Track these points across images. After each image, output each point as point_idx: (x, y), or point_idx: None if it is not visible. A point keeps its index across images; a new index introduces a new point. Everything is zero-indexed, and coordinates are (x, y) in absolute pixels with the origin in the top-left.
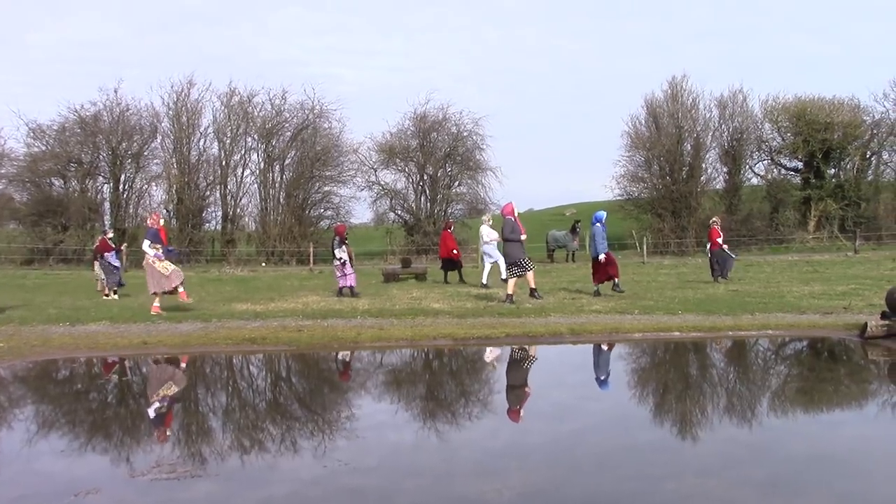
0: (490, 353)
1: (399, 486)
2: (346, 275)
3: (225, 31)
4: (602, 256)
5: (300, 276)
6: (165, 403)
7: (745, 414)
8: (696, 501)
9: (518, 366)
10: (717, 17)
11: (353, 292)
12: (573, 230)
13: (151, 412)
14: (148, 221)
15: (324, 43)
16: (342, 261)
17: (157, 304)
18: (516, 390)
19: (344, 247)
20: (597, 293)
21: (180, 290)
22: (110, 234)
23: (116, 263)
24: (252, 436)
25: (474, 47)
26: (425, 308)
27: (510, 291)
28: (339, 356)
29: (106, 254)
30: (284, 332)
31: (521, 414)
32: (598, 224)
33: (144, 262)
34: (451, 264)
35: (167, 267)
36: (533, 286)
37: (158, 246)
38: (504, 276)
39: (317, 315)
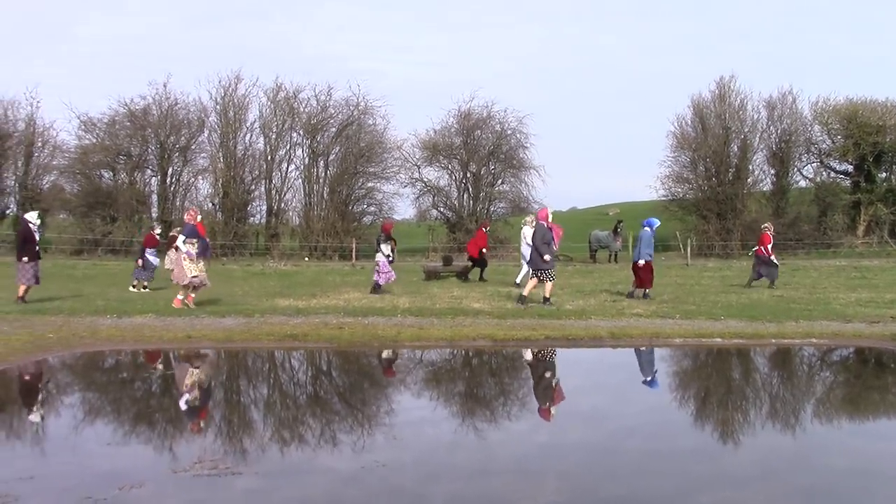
0: (529, 355)
1: (433, 486)
2: (384, 272)
3: (271, 26)
4: (641, 262)
5: (342, 272)
6: (208, 398)
7: (782, 425)
8: None
9: (555, 368)
10: (765, 17)
11: (379, 289)
12: (616, 230)
13: (194, 407)
14: (185, 217)
15: (368, 38)
16: (389, 258)
17: (180, 296)
18: (553, 393)
19: (390, 242)
20: (630, 295)
21: (191, 293)
22: (158, 230)
23: (155, 261)
24: (291, 433)
25: (518, 45)
26: (465, 308)
27: (525, 293)
28: (379, 355)
29: (148, 249)
30: (326, 330)
31: (555, 417)
32: (647, 229)
33: (175, 256)
34: (476, 262)
35: (194, 269)
36: (547, 295)
37: (195, 241)
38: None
39: (357, 312)
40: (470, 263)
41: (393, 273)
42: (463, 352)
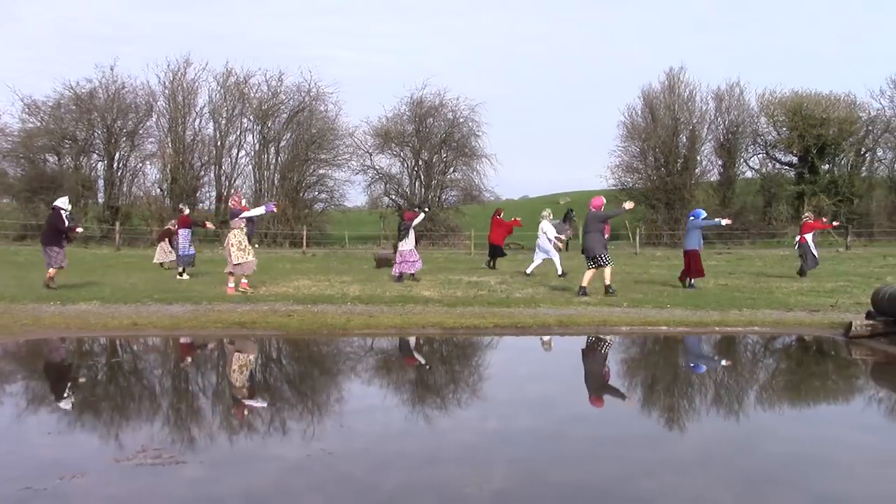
0: (479, 343)
1: (382, 474)
2: (411, 261)
3: (221, 9)
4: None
5: (293, 259)
6: (153, 387)
7: (724, 411)
8: (672, 499)
9: (505, 356)
10: (716, 10)
11: (401, 279)
12: (566, 218)
13: (138, 395)
14: (230, 203)
15: (320, 24)
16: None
17: (231, 284)
18: (500, 380)
19: (412, 232)
20: (690, 286)
21: (243, 280)
22: (186, 211)
23: (186, 245)
24: (238, 422)
25: (472, 33)
26: (416, 296)
27: (584, 284)
28: (328, 342)
29: (182, 230)
30: (274, 317)
31: (505, 404)
32: (691, 218)
33: (226, 242)
34: (497, 251)
35: (241, 256)
36: (608, 282)
37: (242, 227)
38: (529, 271)
39: (307, 300)
40: (491, 256)
41: (419, 261)
42: (413, 339)
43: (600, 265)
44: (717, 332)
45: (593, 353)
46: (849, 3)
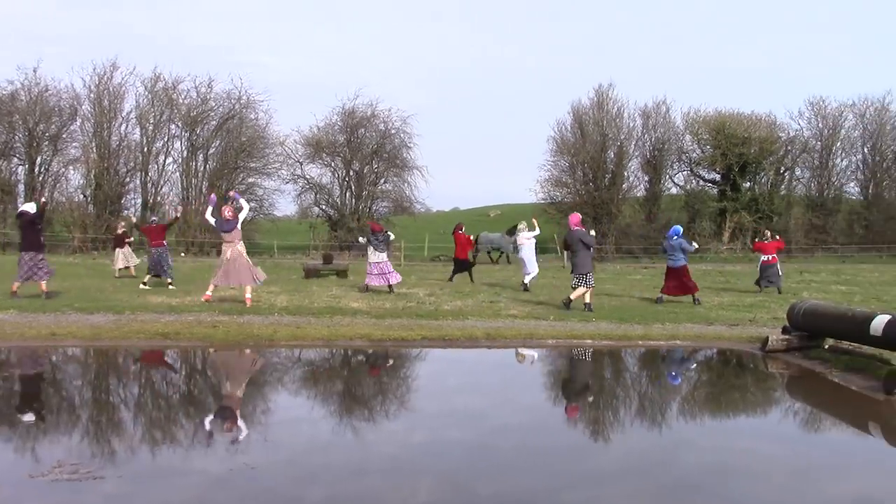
0: (406, 355)
1: (306, 488)
2: (386, 273)
3: (151, 12)
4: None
5: None
6: (70, 399)
7: (647, 423)
8: None
9: (433, 368)
10: (643, 28)
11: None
12: (510, 232)
13: (55, 408)
14: (227, 215)
15: (252, 30)
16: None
17: (248, 295)
18: (427, 392)
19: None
20: (697, 302)
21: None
22: (154, 217)
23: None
24: (158, 435)
25: (404, 44)
26: (344, 307)
27: (573, 297)
28: (254, 354)
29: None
30: (199, 328)
31: (432, 416)
32: (676, 237)
33: (241, 256)
34: (463, 265)
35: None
36: (588, 300)
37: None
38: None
39: (233, 311)
40: (456, 271)
41: (392, 274)
42: (340, 351)
43: (587, 284)
44: (641, 345)
45: (520, 366)
46: (770, 26)
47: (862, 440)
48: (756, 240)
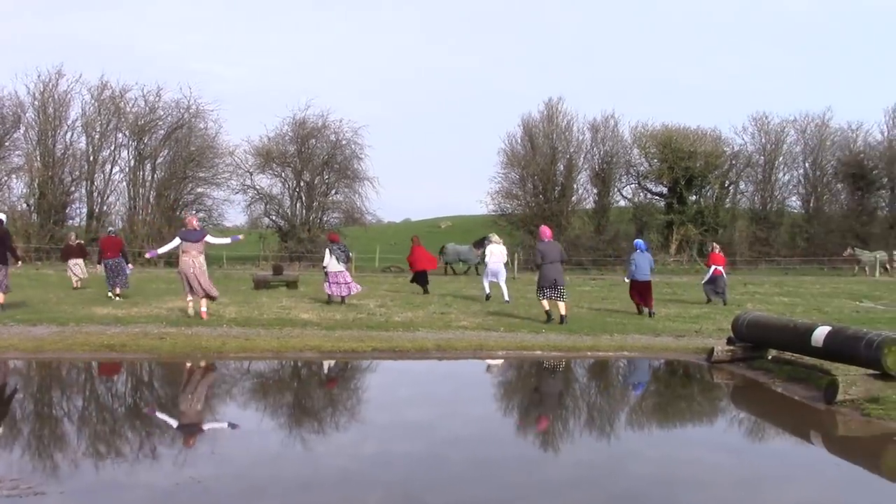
0: (356, 367)
1: (254, 501)
2: (344, 283)
3: (98, 19)
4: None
5: (167, 279)
6: (12, 413)
7: (592, 434)
8: None
9: (382, 379)
10: (592, 43)
11: (344, 300)
12: (478, 244)
13: None
14: (194, 224)
15: (201, 39)
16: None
17: (204, 309)
18: (377, 404)
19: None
20: (648, 314)
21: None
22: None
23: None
24: (103, 450)
25: (355, 55)
26: (294, 318)
27: (547, 308)
28: (201, 366)
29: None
30: (146, 340)
31: (382, 427)
32: (641, 251)
33: (200, 268)
34: (423, 277)
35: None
36: (563, 313)
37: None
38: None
39: (181, 322)
40: (417, 282)
41: (353, 284)
42: (290, 363)
43: (561, 296)
44: (590, 356)
45: (470, 377)
46: (716, 42)
47: (804, 449)
48: (713, 252)
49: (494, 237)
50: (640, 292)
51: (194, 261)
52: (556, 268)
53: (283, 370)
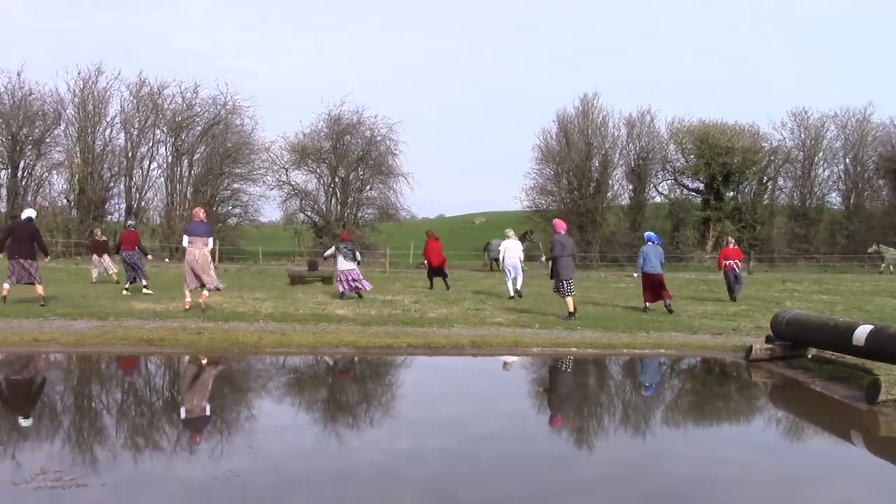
0: (391, 363)
1: (290, 496)
2: (353, 279)
3: (136, 18)
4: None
5: None
6: (54, 406)
7: (632, 432)
8: None
9: (417, 375)
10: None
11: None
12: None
13: (38, 415)
14: (200, 215)
15: (238, 37)
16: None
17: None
18: (412, 400)
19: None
20: (667, 308)
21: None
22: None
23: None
24: (143, 443)
25: (390, 52)
26: (329, 314)
27: (571, 309)
28: (239, 361)
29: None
30: (184, 335)
31: (417, 423)
32: (653, 243)
33: (205, 259)
34: (438, 272)
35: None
36: (571, 309)
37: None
38: (512, 294)
39: (218, 317)
40: (431, 276)
41: (361, 282)
42: (325, 358)
43: (567, 292)
44: (626, 353)
45: (505, 374)
46: (755, 39)
47: (845, 449)
48: (725, 247)
49: (510, 232)
50: (654, 288)
51: (199, 252)
52: (570, 261)
53: (318, 365)
